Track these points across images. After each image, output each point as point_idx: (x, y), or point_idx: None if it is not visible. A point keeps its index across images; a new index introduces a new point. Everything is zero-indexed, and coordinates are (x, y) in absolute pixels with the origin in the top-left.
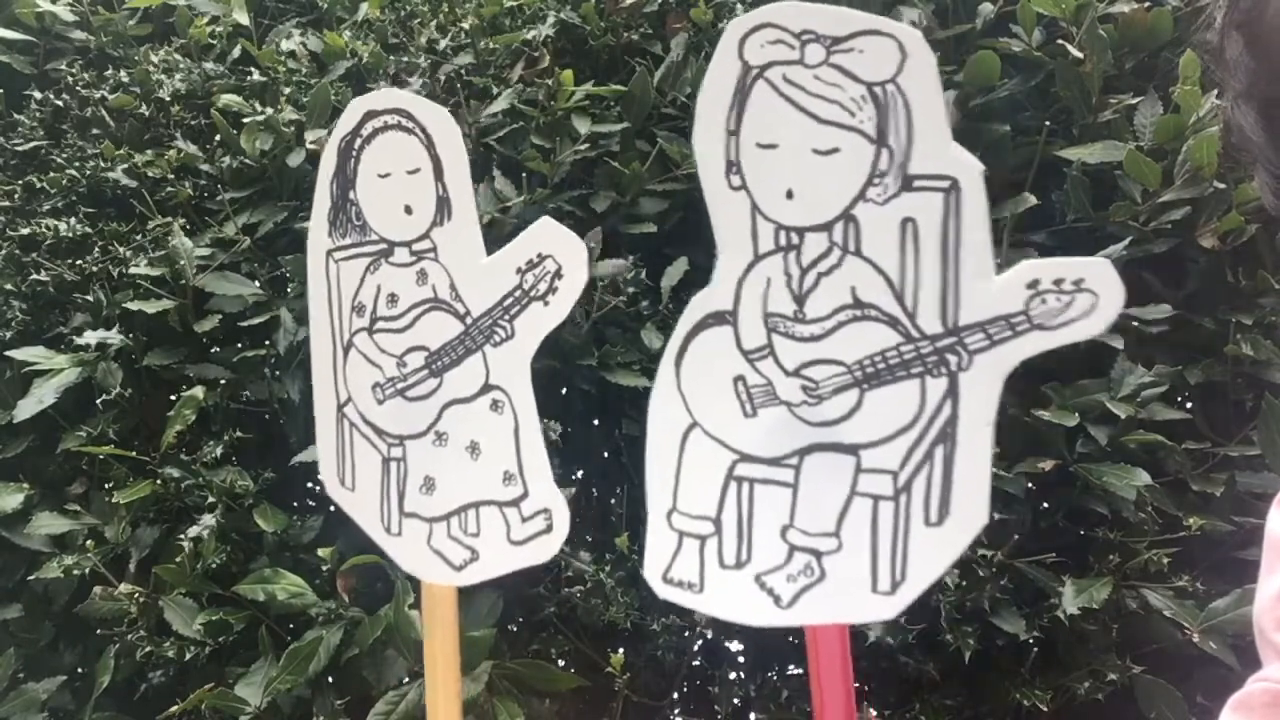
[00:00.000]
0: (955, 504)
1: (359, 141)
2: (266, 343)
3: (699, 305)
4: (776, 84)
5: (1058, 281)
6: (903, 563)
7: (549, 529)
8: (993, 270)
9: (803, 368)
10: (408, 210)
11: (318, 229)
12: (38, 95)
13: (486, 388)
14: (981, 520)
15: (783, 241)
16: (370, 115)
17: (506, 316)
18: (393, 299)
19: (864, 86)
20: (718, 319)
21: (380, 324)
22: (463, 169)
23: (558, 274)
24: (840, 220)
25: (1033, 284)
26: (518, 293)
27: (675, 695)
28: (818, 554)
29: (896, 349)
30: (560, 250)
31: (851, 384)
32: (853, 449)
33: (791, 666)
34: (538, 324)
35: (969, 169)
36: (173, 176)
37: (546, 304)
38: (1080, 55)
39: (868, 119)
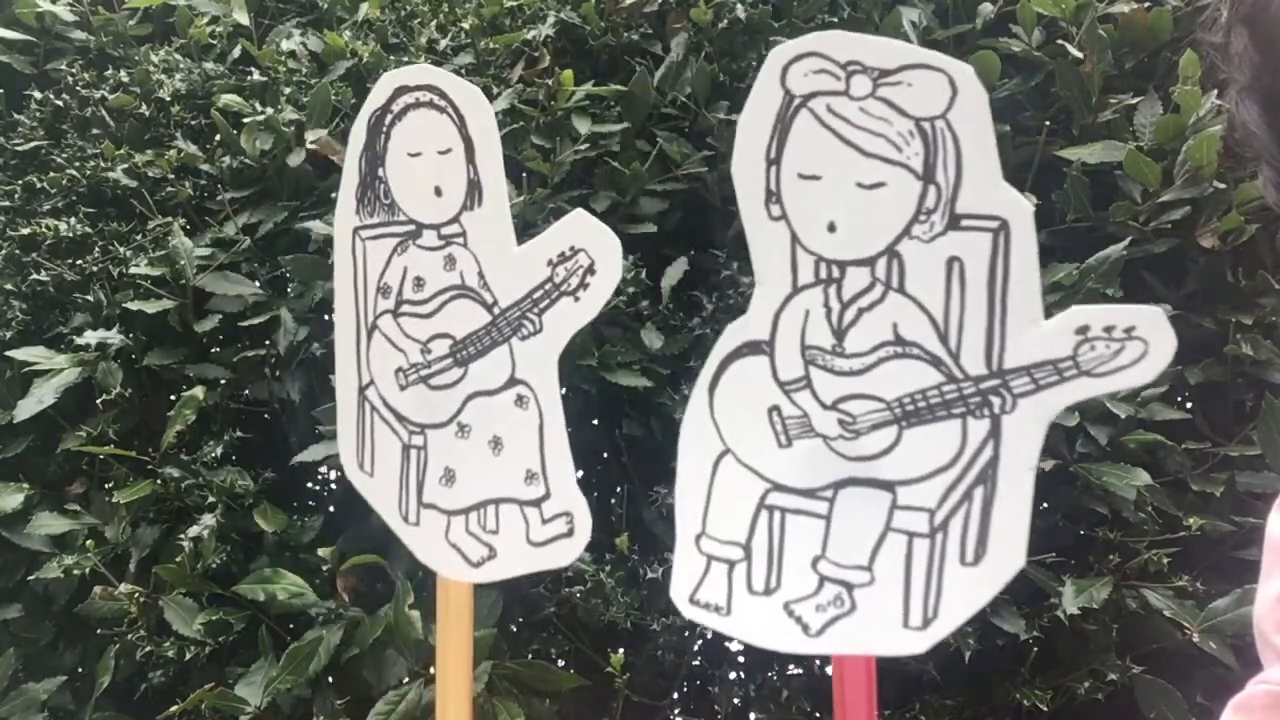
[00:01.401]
0: (992, 545)
1: (389, 117)
2: (266, 343)
3: (734, 333)
4: (820, 114)
5: (1108, 329)
6: (936, 600)
7: (570, 533)
8: (1041, 314)
9: (840, 401)
10: (438, 192)
11: (345, 205)
12: (38, 95)
13: (512, 381)
14: (1019, 563)
15: (823, 274)
16: (402, 90)
17: (536, 310)
18: (419, 283)
19: (912, 121)
20: (753, 348)
21: (406, 307)
22: (495, 152)
23: (590, 269)
24: (884, 256)
25: (1082, 329)
26: (548, 286)
27: (675, 695)
28: (849, 586)
29: (938, 388)
30: (594, 244)
31: (890, 421)
32: (889, 485)
33: (791, 666)
34: (567, 320)
35: (1020, 210)
36: (173, 176)
37: (577, 300)
38: (1080, 55)
39: (915, 155)
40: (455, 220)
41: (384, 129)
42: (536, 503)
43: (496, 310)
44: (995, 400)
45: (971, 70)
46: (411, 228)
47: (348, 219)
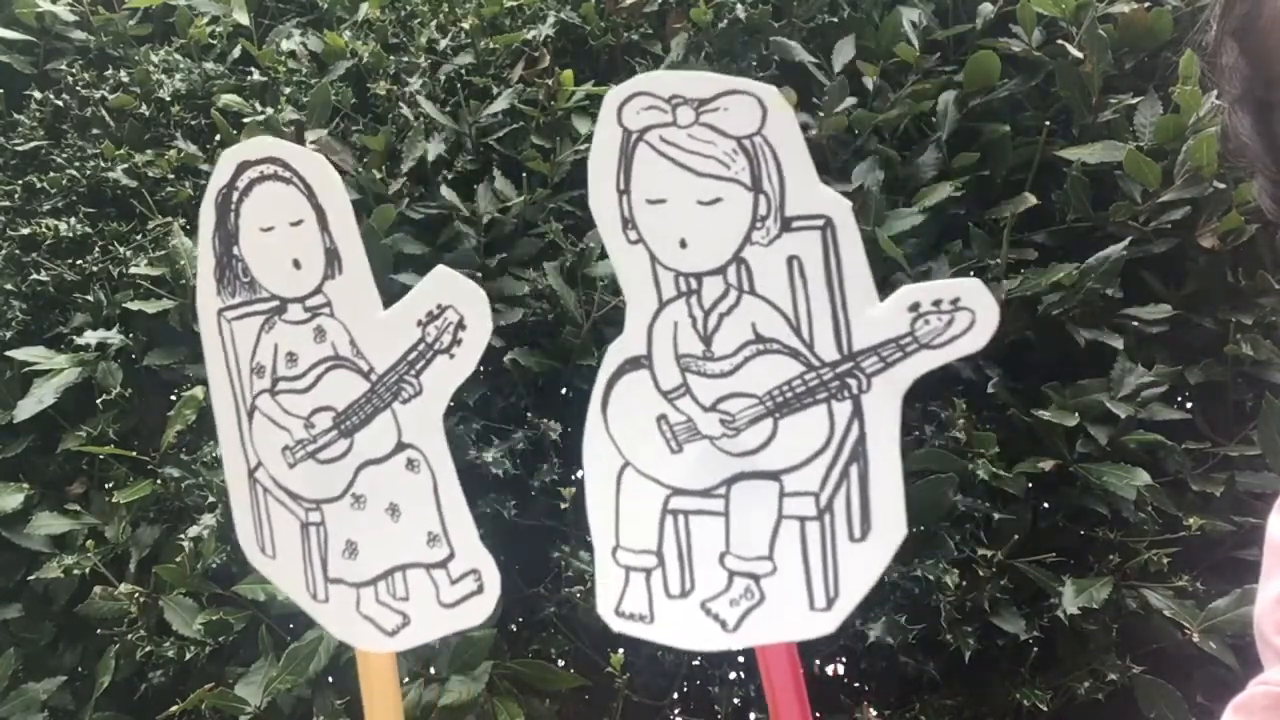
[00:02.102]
0: (875, 519)
1: (236, 194)
2: None
3: (616, 352)
4: (655, 145)
5: (936, 302)
6: (835, 579)
7: (480, 589)
8: (875, 297)
9: (718, 402)
10: (296, 265)
11: (205, 288)
12: (38, 95)
13: (400, 446)
14: (901, 532)
15: (683, 287)
16: (245, 165)
17: (412, 372)
18: (292, 358)
19: (734, 140)
20: (634, 364)
21: (282, 384)
22: (348, 218)
23: (460, 325)
24: (732, 263)
25: (914, 306)
26: (421, 346)
27: (675, 695)
28: (755, 577)
29: (801, 377)
30: (461, 301)
31: (765, 414)
32: (775, 475)
33: None
34: (445, 378)
35: (840, 206)
36: (173, 176)
37: (452, 356)
38: (1080, 55)
39: (742, 169)
40: (319, 290)
41: (232, 206)
42: (443, 564)
43: (374, 377)
44: (851, 382)
45: (774, 89)
46: (275, 303)
47: (210, 302)
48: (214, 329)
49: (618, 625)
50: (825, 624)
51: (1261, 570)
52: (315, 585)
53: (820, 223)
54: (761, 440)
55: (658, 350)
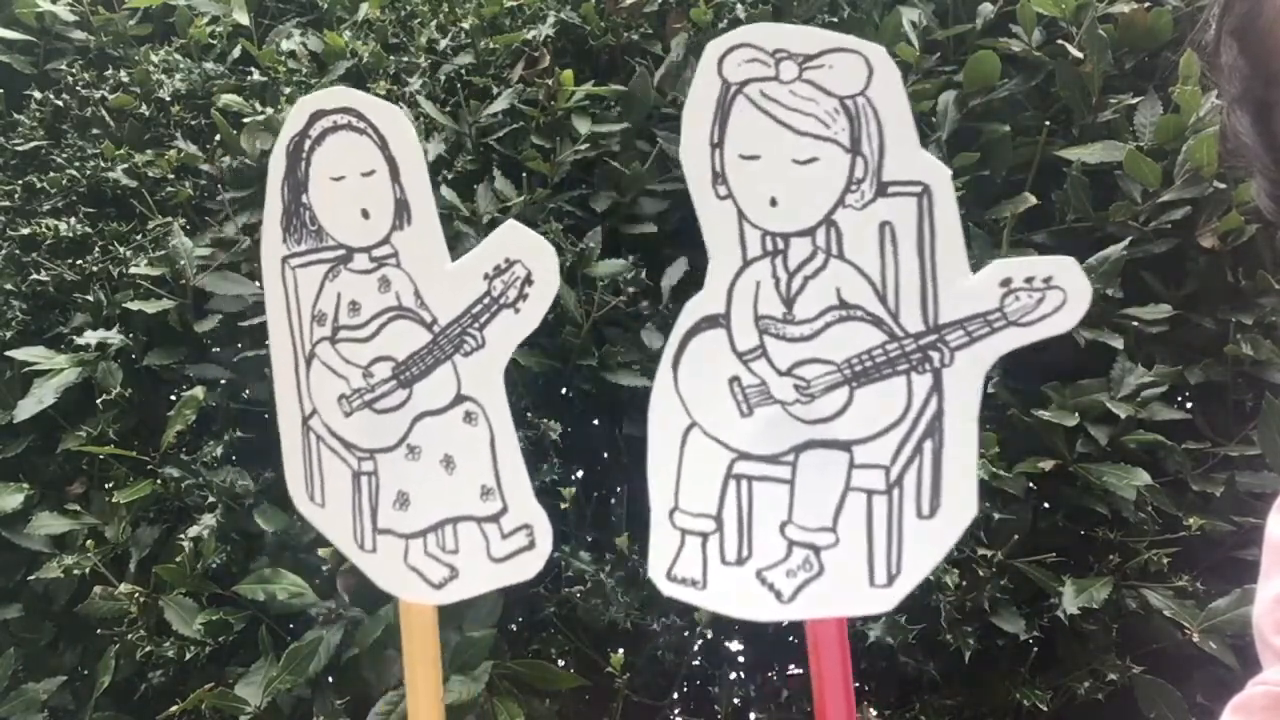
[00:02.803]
0: (945, 497)
1: (308, 143)
2: (266, 343)
3: (693, 310)
4: (755, 99)
5: (1028, 279)
6: (898, 556)
7: (531, 545)
8: (968, 269)
9: (794, 367)
10: (365, 214)
11: (271, 235)
12: (38, 95)
13: (459, 399)
14: (971, 512)
15: (769, 247)
16: (318, 115)
17: (476, 325)
18: (355, 307)
19: (836, 100)
20: (711, 322)
21: (343, 333)
22: (420, 170)
23: (528, 280)
24: (822, 225)
25: (1005, 282)
26: (487, 300)
27: (675, 695)
28: (816, 549)
29: (882, 347)
30: (529, 255)
31: (841, 382)
32: (846, 445)
33: (792, 666)
34: (509, 332)
35: (939, 174)
36: (173, 176)
37: (518, 311)
38: (1080, 55)
39: (842, 130)
40: (386, 241)
41: (304, 155)
42: (495, 518)
43: (436, 328)
44: (934, 355)
45: (884, 50)
46: (341, 252)
47: (275, 249)
48: (277, 276)
49: (669, 589)
50: (884, 601)
51: (1261, 570)
52: (363, 535)
53: (918, 189)
54: (835, 409)
55: (737, 310)
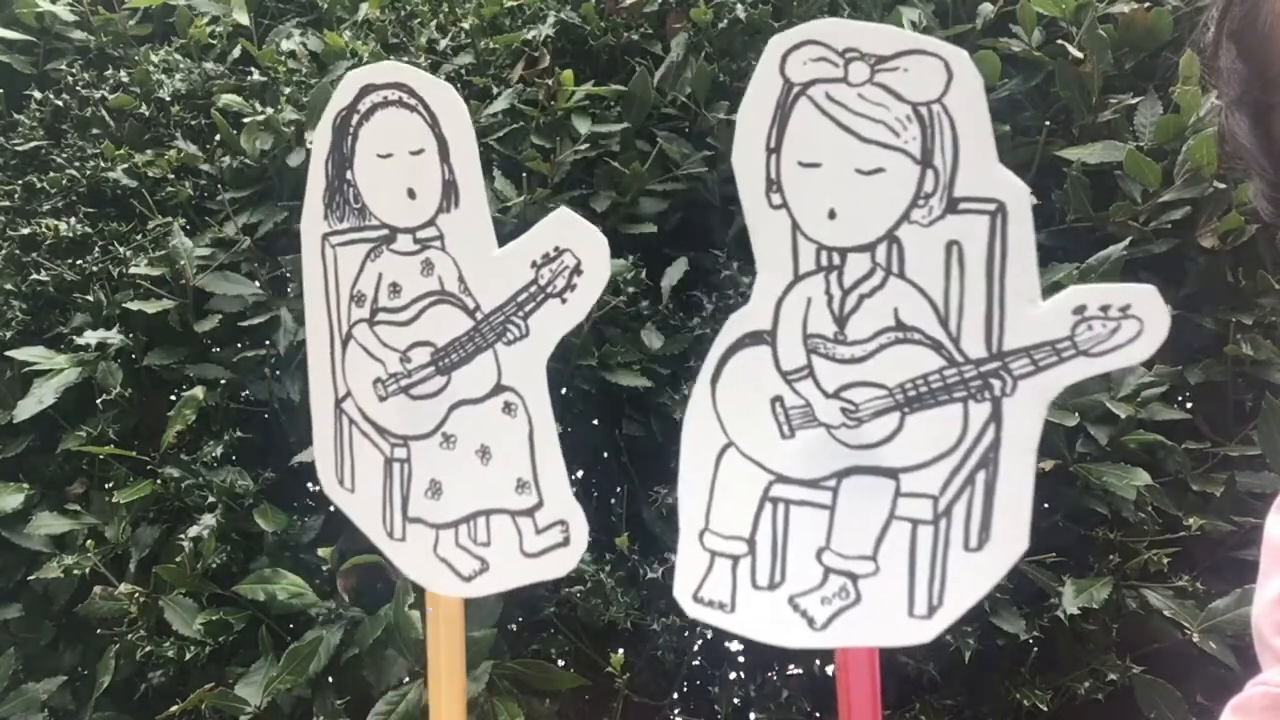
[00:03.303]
0: (996, 530)
1: (356, 118)
2: (266, 343)
3: (736, 324)
4: (819, 102)
5: (1104, 307)
6: (940, 587)
7: (566, 542)
8: (1039, 295)
9: (843, 390)
10: (411, 194)
11: (312, 211)
12: (38, 95)
13: (499, 389)
14: (1023, 545)
15: (824, 262)
16: (368, 89)
17: (521, 314)
18: (395, 289)
19: (909, 106)
20: (755, 339)
21: (382, 315)
22: (471, 151)
23: (577, 269)
24: (884, 241)
25: (1079, 309)
26: (533, 288)
27: (675, 695)
28: (854, 577)
29: (939, 372)
30: (580, 244)
31: (893, 407)
32: (892, 472)
33: (792, 666)
34: (555, 323)
35: (1016, 191)
36: (173, 176)
37: (564, 301)
38: (1080, 55)
39: (913, 139)
40: (431, 223)
41: (350, 130)
42: (529, 512)
43: (479, 315)
44: (995, 383)
45: (966, 55)
46: (385, 232)
47: (316, 225)
48: (317, 253)
49: (694, 611)
50: (923, 633)
51: (1260, 571)
52: (393, 523)
53: (991, 207)
54: (884, 435)
55: (784, 327)
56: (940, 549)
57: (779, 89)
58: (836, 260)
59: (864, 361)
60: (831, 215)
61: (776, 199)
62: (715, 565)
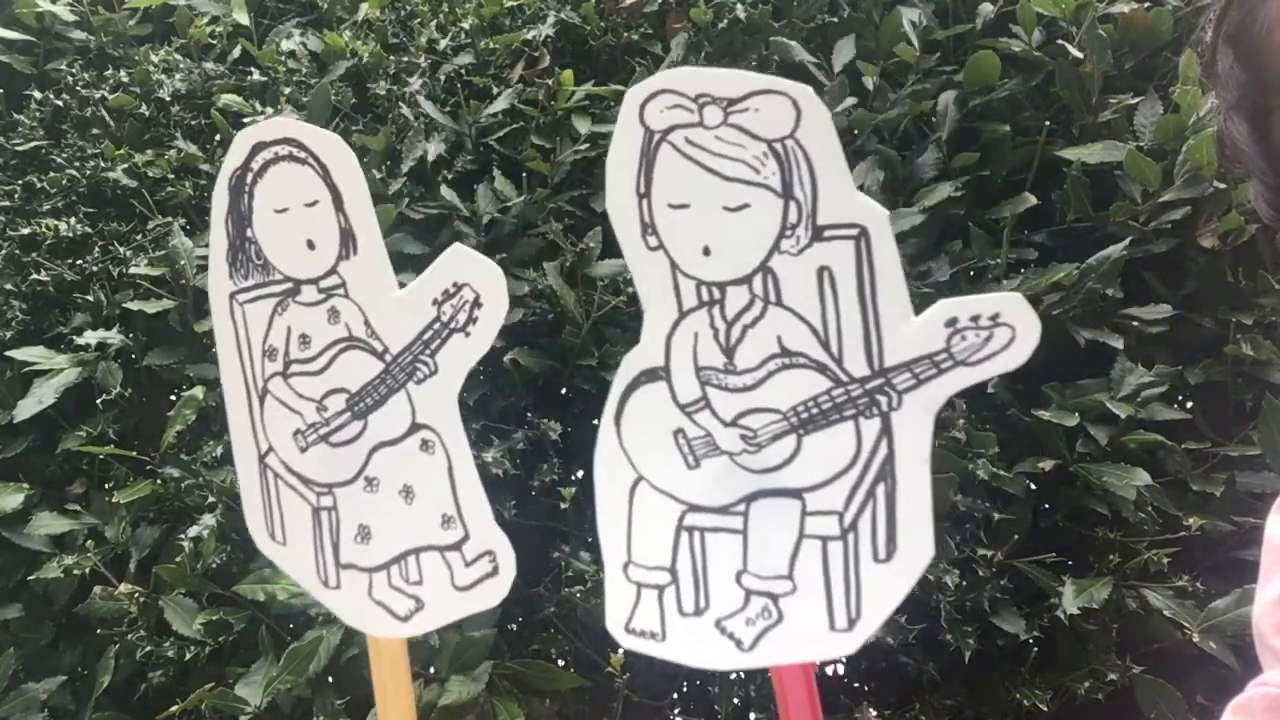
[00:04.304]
0: (901, 539)
1: (250, 175)
2: None
3: (632, 363)
4: (680, 146)
5: (974, 318)
6: (857, 600)
7: (495, 571)
8: (911, 311)
9: (739, 417)
10: (310, 245)
11: (217, 271)
12: (38, 95)
13: (415, 427)
14: (929, 553)
15: (705, 297)
16: (259, 147)
17: (427, 351)
18: (305, 340)
19: (764, 144)
20: (651, 375)
21: (295, 367)
22: (363, 198)
23: (476, 303)
24: (759, 273)
25: (951, 322)
26: (437, 325)
27: (675, 695)
28: (774, 596)
29: (828, 393)
30: (477, 278)
31: (788, 430)
32: (797, 493)
33: None
34: (461, 357)
35: (876, 215)
36: (173, 176)
37: (468, 335)
38: (1080, 55)
39: (772, 174)
40: (333, 271)
41: (246, 188)
42: (457, 546)
43: (388, 357)
44: (881, 399)
45: (811, 90)
46: (289, 285)
47: (222, 285)
48: (226, 313)
49: (628, 642)
50: (845, 645)
51: (1260, 571)
52: (326, 571)
53: (854, 232)
54: (784, 457)
55: (676, 362)
56: (851, 563)
57: (641, 136)
58: (717, 294)
59: (755, 389)
60: (706, 252)
61: (653, 241)
62: (642, 596)
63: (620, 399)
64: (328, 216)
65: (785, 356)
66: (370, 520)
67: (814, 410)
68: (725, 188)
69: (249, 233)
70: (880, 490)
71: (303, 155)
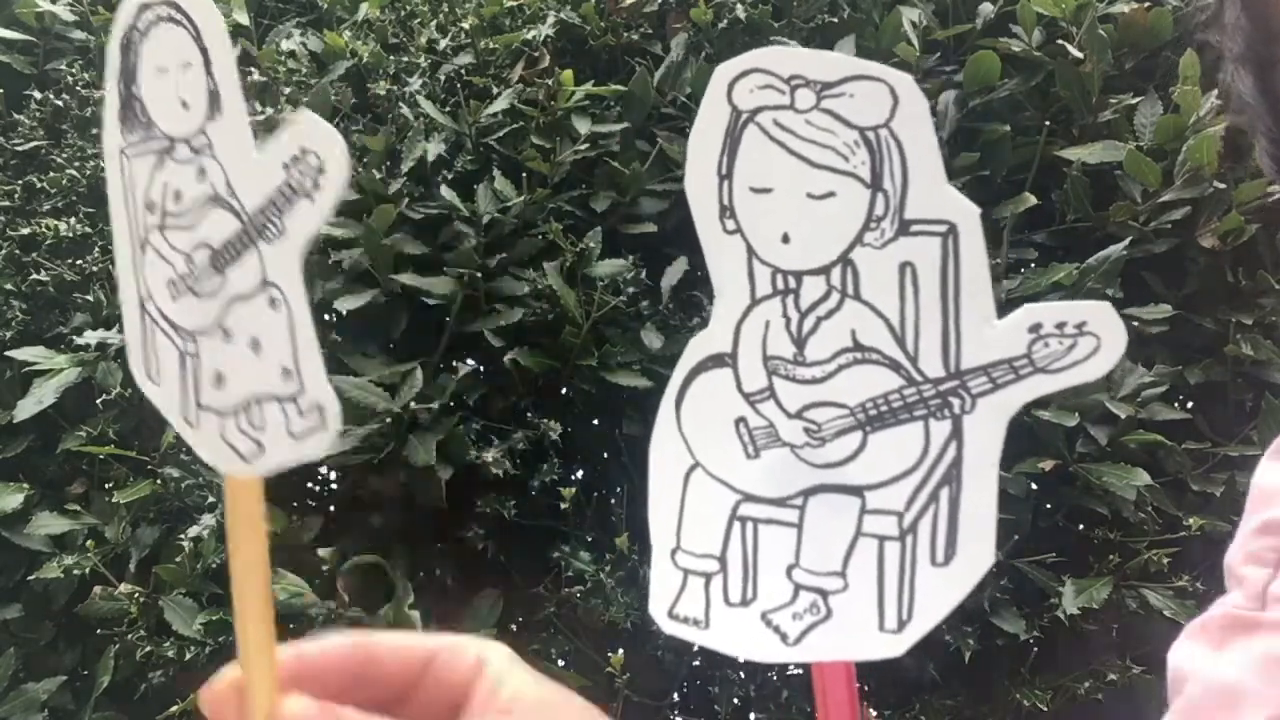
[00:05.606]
0: (961, 545)
1: (136, 35)
2: None
3: (698, 347)
4: (767, 128)
5: (1060, 325)
6: (909, 602)
7: (323, 424)
8: (994, 314)
9: (805, 410)
10: (184, 105)
11: (110, 128)
12: (38, 95)
13: (264, 284)
14: (988, 560)
15: (780, 285)
16: (145, 7)
17: (277, 213)
18: (178, 195)
19: (856, 131)
20: (717, 361)
21: (169, 220)
22: (228, 60)
23: (320, 169)
24: (838, 264)
25: (1035, 327)
26: (285, 189)
27: (675, 695)
28: (824, 593)
29: (899, 391)
30: (320, 144)
31: (854, 426)
32: (857, 490)
33: (791, 667)
34: (305, 221)
35: (966, 213)
36: None
37: (313, 200)
38: (1080, 55)
39: (862, 163)
40: (201, 131)
41: (133, 48)
42: (293, 397)
43: (245, 217)
44: (955, 401)
45: (911, 79)
46: (166, 143)
47: (114, 140)
48: (117, 166)
49: (670, 627)
50: (893, 646)
51: (1242, 518)
52: (189, 411)
53: (943, 229)
54: (847, 453)
55: (744, 349)
56: (908, 564)
57: (728, 116)
58: (792, 284)
59: (824, 382)
60: (785, 239)
61: (730, 224)
62: (689, 583)
63: (683, 383)
64: (199, 78)
65: (858, 351)
66: (225, 367)
67: (883, 408)
68: (811, 174)
69: (135, 90)
70: (944, 494)
71: (179, 17)
